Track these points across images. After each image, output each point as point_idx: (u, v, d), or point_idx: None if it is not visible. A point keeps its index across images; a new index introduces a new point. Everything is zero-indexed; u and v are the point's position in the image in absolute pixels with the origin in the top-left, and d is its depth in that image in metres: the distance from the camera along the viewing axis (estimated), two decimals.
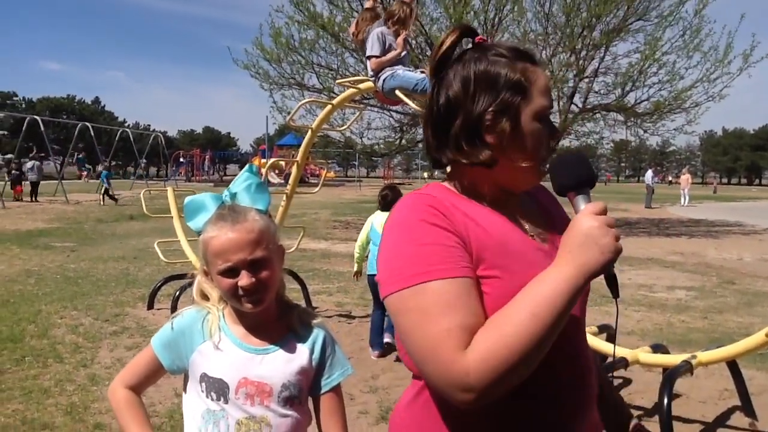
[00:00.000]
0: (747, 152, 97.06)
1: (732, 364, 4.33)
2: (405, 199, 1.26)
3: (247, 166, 1.75)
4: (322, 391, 1.65)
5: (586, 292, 1.21)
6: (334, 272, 10.19)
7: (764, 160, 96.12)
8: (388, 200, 5.78)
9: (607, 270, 1.13)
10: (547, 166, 1.27)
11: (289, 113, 17.19)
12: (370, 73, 5.79)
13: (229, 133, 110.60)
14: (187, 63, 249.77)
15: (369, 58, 5.72)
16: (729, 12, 17.34)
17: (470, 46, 1.33)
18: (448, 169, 1.35)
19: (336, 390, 1.67)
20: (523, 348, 1.05)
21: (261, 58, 17.32)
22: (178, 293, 6.62)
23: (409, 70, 5.61)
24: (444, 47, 1.29)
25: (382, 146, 21.36)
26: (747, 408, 4.33)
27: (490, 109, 1.23)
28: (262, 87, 17.69)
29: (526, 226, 1.31)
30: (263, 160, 32.21)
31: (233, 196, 1.66)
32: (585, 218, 1.13)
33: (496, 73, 1.24)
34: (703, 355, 4.06)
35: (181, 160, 50.22)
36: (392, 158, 47.38)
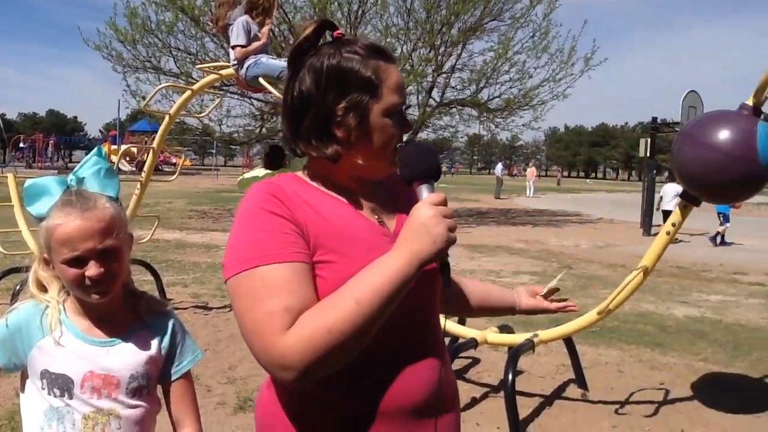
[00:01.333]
0: (585, 148, 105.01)
1: (568, 341, 4.75)
2: (253, 188, 1.29)
3: (95, 149, 1.64)
4: (173, 379, 1.62)
5: (436, 274, 1.26)
6: (189, 263, 9.93)
7: (600, 156, 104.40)
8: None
9: (440, 258, 1.17)
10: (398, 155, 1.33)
11: (144, 98, 16.41)
12: (233, 61, 5.71)
13: (75, 117, 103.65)
14: (29, 40, 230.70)
15: (234, 47, 5.64)
16: (574, 17, 18.71)
17: (329, 39, 1.36)
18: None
19: (186, 376, 1.65)
20: (344, 333, 1.11)
21: (114, 39, 16.40)
22: (18, 287, 6.19)
23: (273, 59, 5.60)
24: (302, 39, 1.31)
25: (241, 134, 20.97)
26: (580, 381, 4.76)
27: (340, 105, 1.27)
28: (114, 69, 16.80)
29: (374, 213, 1.36)
30: (114, 147, 30.47)
31: (80, 181, 1.55)
32: (423, 207, 1.18)
33: (348, 69, 1.27)
34: (544, 334, 4.41)
35: (22, 145, 46.36)
36: (252, 147, 46.42)
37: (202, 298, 7.45)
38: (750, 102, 3.76)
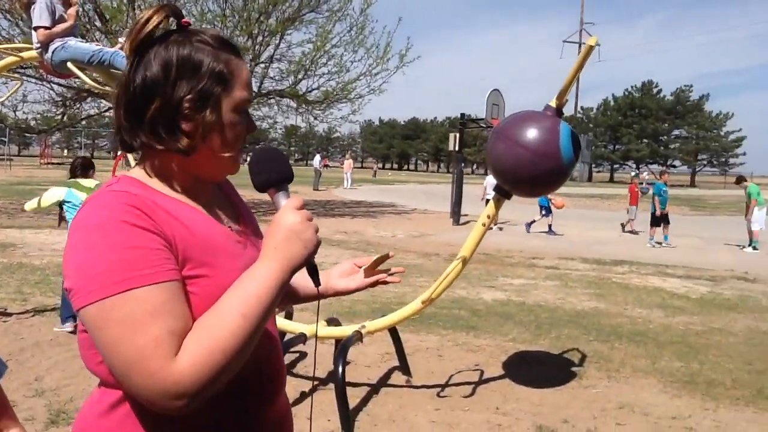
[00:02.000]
0: (398, 141, 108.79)
1: (393, 331, 4.93)
2: (100, 196, 1.15)
3: None
4: None
5: None
6: None
7: (412, 148, 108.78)
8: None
9: (308, 261, 1.19)
10: (248, 160, 1.31)
11: None
12: (37, 44, 5.19)
13: None
14: None
15: (36, 29, 5.11)
16: (389, 14, 19.27)
17: (174, 27, 1.28)
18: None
19: None
20: (237, 348, 1.07)
21: None
22: None
23: (82, 42, 5.17)
24: (149, 26, 1.22)
25: (39, 121, 19.16)
26: (404, 368, 4.97)
27: (189, 96, 1.20)
28: None
29: (223, 219, 1.32)
30: None
31: None
32: (288, 214, 1.18)
33: (200, 60, 1.21)
34: (371, 324, 4.54)
35: None
36: (51, 135, 42.60)
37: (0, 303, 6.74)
38: (553, 104, 4.14)
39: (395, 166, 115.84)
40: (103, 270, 1.05)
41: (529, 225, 16.13)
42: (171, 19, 1.27)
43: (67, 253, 1.11)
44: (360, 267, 1.66)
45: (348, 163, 38.97)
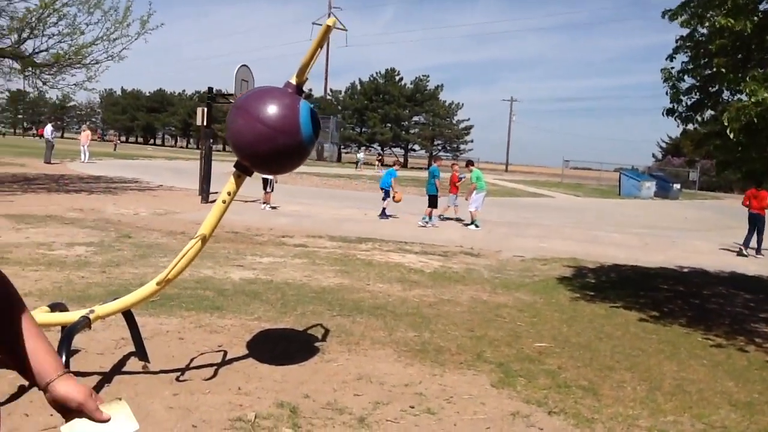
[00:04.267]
0: (143, 113, 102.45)
1: (128, 314, 4.59)
2: None
3: None
4: None
5: None
6: None
7: (158, 122, 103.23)
8: None
9: None
10: None
11: None
12: None
13: None
14: None
15: None
16: None
17: None
18: None
19: None
20: None
21: None
22: None
23: None
24: None
25: None
26: (141, 353, 4.65)
27: None
28: None
29: None
30: None
31: None
32: None
33: None
34: (100, 309, 4.19)
35: None
36: None
37: None
38: (293, 81, 4.14)
39: (140, 140, 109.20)
40: None
41: (383, 213, 16.18)
42: None
43: None
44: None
45: (85, 134, 35.64)
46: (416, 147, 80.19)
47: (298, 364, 4.89)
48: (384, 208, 16.33)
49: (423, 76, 77.69)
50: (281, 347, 5.31)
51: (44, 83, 18.31)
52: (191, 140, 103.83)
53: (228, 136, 4.13)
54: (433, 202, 15.77)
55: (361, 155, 60.70)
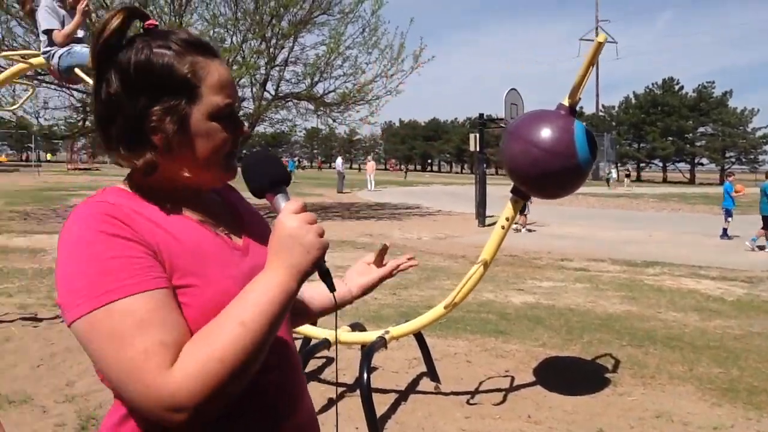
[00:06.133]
0: (420, 142, 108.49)
1: (418, 336, 4.80)
2: (79, 208, 1.09)
3: None
4: None
5: None
6: (13, 270, 8.97)
7: (434, 149, 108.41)
8: None
9: (319, 267, 1.13)
10: (239, 165, 1.20)
11: None
12: (45, 48, 5.13)
13: None
14: None
15: (47, 32, 5.05)
16: (401, 15, 19.15)
17: (141, 31, 1.16)
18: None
19: None
20: (236, 360, 1.00)
21: None
22: None
23: (87, 47, 5.10)
24: (107, 32, 1.11)
25: (63, 127, 19.35)
26: (432, 374, 4.83)
27: (155, 108, 1.10)
28: None
29: (217, 226, 1.22)
30: None
31: None
32: (286, 219, 1.10)
33: (159, 66, 1.10)
34: (395, 330, 4.43)
35: None
36: (77, 141, 43.19)
37: (30, 308, 6.74)
38: (566, 102, 4.00)
39: (418, 167, 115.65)
40: (84, 284, 1.01)
41: (724, 233, 15.17)
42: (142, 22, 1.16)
43: (56, 269, 1.05)
44: (369, 264, 1.64)
45: (371, 165, 38.84)
46: (704, 161, 73.25)
47: (588, 396, 4.67)
48: (725, 228, 15.16)
49: (707, 82, 71.43)
50: (569, 376, 5.12)
51: (333, 120, 20.33)
52: (465, 165, 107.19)
53: (503, 163, 4.12)
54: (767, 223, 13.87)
55: (613, 173, 56.79)
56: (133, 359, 0.97)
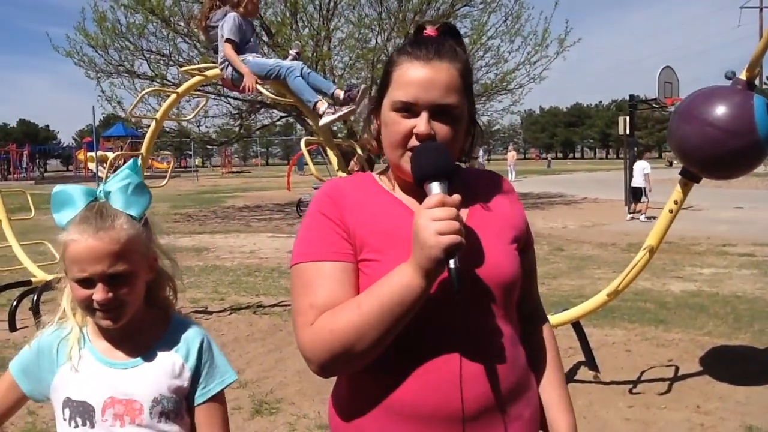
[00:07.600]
0: (561, 129, 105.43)
1: (576, 324, 4.76)
2: (324, 185, 1.39)
3: (130, 162, 1.51)
4: (198, 402, 1.48)
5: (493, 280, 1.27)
6: (181, 267, 9.78)
7: (576, 136, 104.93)
8: None
9: (445, 264, 1.11)
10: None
11: (119, 103, 16.20)
12: (222, 56, 5.54)
13: (47, 126, 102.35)
14: None
15: (227, 40, 5.42)
16: None
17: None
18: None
19: (215, 398, 1.50)
20: (344, 335, 1.16)
21: (85, 44, 16.07)
22: (15, 303, 6.06)
23: (259, 57, 5.49)
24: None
25: (219, 134, 20.76)
26: (591, 363, 4.77)
27: (376, 97, 1.35)
28: (88, 75, 16.42)
29: None
30: (90, 154, 30.15)
31: (107, 194, 1.43)
32: (417, 213, 1.14)
33: (386, 63, 1.32)
34: (554, 318, 4.43)
35: None
36: (230, 146, 46.07)
37: (200, 302, 7.36)
38: (743, 76, 3.77)
39: (559, 155, 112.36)
40: (297, 244, 1.32)
41: None
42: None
43: None
44: None
45: (511, 155, 38.25)
46: None
47: (763, 386, 4.41)
48: None
49: None
50: (739, 366, 4.85)
51: (476, 112, 20.20)
52: (610, 150, 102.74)
53: (673, 144, 3.98)
54: None
55: None
56: (297, 309, 1.25)
